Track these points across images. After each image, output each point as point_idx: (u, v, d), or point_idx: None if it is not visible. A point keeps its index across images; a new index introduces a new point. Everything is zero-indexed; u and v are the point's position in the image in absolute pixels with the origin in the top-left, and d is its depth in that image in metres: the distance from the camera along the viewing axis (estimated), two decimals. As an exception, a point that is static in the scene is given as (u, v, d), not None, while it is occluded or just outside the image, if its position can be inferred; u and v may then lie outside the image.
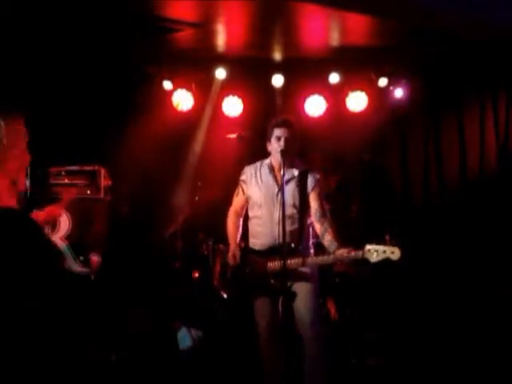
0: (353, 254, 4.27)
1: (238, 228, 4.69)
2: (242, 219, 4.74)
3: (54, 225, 5.13)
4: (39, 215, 4.66)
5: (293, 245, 4.40)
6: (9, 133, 4.48)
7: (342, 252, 4.30)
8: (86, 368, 4.43)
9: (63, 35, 5.81)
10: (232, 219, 4.69)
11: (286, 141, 4.41)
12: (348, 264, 4.36)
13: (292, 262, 4.32)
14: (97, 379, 4.45)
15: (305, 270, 4.44)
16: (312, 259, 4.42)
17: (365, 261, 4.24)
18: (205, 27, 5.88)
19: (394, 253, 4.21)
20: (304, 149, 4.86)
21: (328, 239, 4.40)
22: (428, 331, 6.10)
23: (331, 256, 4.34)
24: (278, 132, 4.45)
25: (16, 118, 4.52)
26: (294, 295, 4.39)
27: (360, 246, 4.25)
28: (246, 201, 4.64)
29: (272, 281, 4.38)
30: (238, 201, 4.68)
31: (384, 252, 4.20)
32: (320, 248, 4.57)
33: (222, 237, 4.93)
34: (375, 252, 4.20)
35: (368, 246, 4.21)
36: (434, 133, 7.14)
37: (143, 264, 6.37)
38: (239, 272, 4.52)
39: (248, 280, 4.49)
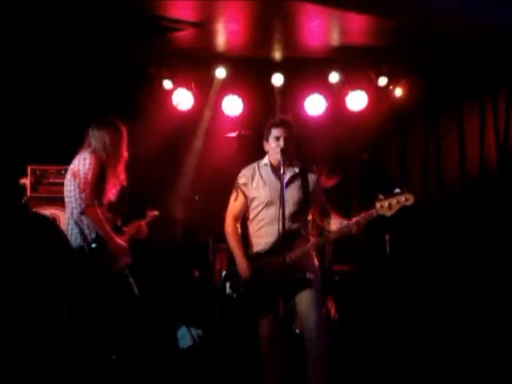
0: (366, 215, 4.24)
1: (239, 234, 4.62)
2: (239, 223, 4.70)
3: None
4: (128, 230, 4.81)
5: (303, 232, 4.43)
6: (117, 139, 4.68)
7: (355, 218, 4.27)
8: (86, 368, 4.43)
9: (63, 35, 5.82)
10: (232, 226, 4.60)
11: (285, 140, 4.43)
12: (364, 226, 4.28)
13: (307, 246, 4.37)
14: (97, 379, 4.46)
15: (309, 267, 4.46)
16: (325, 237, 4.42)
17: (382, 217, 4.22)
18: (205, 26, 5.89)
19: (407, 199, 4.15)
20: (303, 148, 4.88)
21: (337, 221, 4.42)
22: (428, 330, 6.11)
23: (345, 225, 4.30)
24: (276, 132, 4.47)
25: (119, 124, 4.72)
26: (305, 282, 4.39)
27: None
28: (246, 204, 4.59)
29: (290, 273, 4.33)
30: (236, 205, 4.61)
31: (397, 202, 4.16)
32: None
33: (222, 236, 4.93)
34: (388, 205, 4.18)
35: (378, 203, 4.20)
36: (433, 132, 7.14)
37: (143, 264, 6.38)
38: (255, 282, 4.47)
39: (270, 282, 4.41)
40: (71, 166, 4.56)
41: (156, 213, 5.12)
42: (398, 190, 4.20)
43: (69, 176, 4.54)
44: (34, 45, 5.92)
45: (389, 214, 4.20)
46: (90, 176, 4.45)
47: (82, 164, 4.50)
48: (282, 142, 4.41)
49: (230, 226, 4.61)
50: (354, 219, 4.29)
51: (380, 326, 6.07)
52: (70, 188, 4.49)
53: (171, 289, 6.37)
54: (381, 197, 4.21)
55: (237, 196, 4.60)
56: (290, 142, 4.46)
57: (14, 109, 6.19)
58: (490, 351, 5.60)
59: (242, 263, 4.50)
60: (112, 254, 4.54)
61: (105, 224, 4.48)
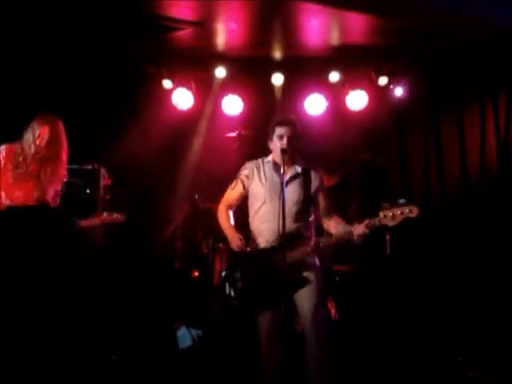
0: (369, 223, 4.21)
1: (230, 218, 4.62)
2: (232, 212, 4.68)
3: None
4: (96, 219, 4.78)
5: (304, 231, 4.43)
6: (50, 134, 4.62)
7: (358, 225, 4.25)
8: (87, 368, 4.44)
9: (63, 35, 5.82)
10: (223, 212, 4.62)
11: (289, 139, 4.45)
12: (366, 234, 4.26)
13: (304, 249, 4.36)
14: (97, 379, 4.47)
15: (309, 267, 4.45)
16: (325, 240, 4.42)
17: (384, 227, 4.19)
18: (205, 26, 5.89)
19: (411, 211, 4.12)
20: (304, 147, 4.89)
21: (340, 225, 4.42)
22: (428, 330, 6.11)
23: (347, 231, 4.30)
24: (280, 131, 4.48)
25: (58, 120, 4.67)
26: (306, 281, 4.38)
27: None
28: (242, 195, 4.63)
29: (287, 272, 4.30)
30: (233, 194, 4.63)
31: (401, 213, 4.13)
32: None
33: (222, 236, 4.93)
34: (391, 216, 4.14)
35: (382, 212, 4.16)
36: (433, 132, 7.13)
37: (143, 264, 6.38)
38: (255, 280, 4.45)
39: (270, 281, 4.39)
40: None
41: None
42: (403, 200, 4.17)
43: None
44: (33, 45, 5.92)
45: (391, 224, 4.17)
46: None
47: None
48: (284, 142, 4.44)
49: (220, 211, 4.63)
50: (357, 226, 4.26)
51: (380, 326, 6.06)
52: None
53: (171, 289, 6.36)
54: (385, 206, 4.17)
55: (236, 185, 4.62)
56: (294, 142, 4.47)
57: (13, 109, 6.19)
58: (490, 351, 5.60)
59: (233, 236, 4.49)
60: None
61: None
